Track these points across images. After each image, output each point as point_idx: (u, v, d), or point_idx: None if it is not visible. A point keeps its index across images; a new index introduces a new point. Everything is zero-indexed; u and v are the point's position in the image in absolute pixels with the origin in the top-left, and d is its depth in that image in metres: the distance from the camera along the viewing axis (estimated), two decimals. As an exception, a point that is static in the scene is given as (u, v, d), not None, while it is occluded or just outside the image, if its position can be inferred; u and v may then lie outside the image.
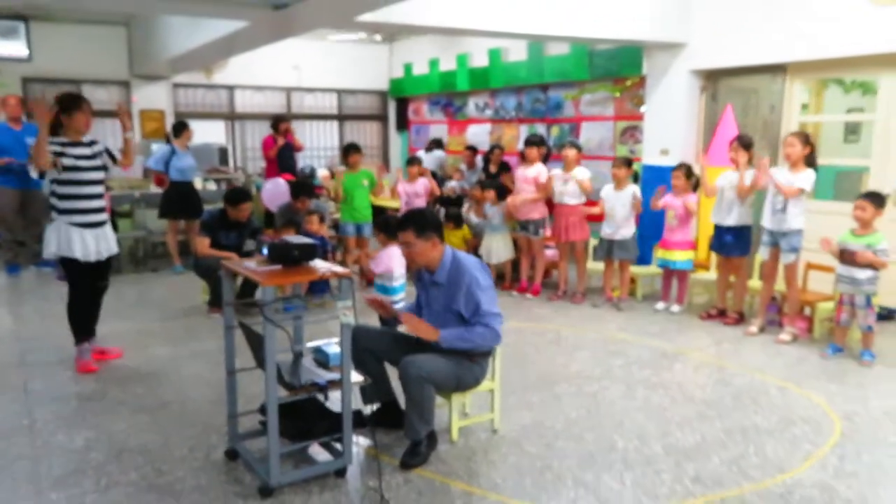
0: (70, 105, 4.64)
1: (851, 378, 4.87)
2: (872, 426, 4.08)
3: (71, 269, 4.80)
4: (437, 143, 11.12)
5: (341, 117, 13.14)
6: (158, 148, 8.10)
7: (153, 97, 11.30)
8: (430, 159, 10.63)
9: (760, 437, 3.92)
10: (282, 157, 9.19)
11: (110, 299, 5.34)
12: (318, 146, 13.04)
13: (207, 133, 11.17)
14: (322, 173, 11.17)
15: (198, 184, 8.92)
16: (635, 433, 3.96)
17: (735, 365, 5.14)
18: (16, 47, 10.29)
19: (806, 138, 5.53)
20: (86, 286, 4.89)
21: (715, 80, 7.69)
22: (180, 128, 8.35)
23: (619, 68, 8.59)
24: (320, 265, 3.38)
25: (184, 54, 8.63)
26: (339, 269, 3.34)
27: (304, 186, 7.03)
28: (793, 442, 3.86)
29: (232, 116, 12.13)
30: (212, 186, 9.85)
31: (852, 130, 8.79)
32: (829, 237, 5.26)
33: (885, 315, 6.08)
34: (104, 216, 4.88)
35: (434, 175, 8.44)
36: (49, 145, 4.55)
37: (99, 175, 4.81)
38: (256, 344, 3.41)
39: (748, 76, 7.34)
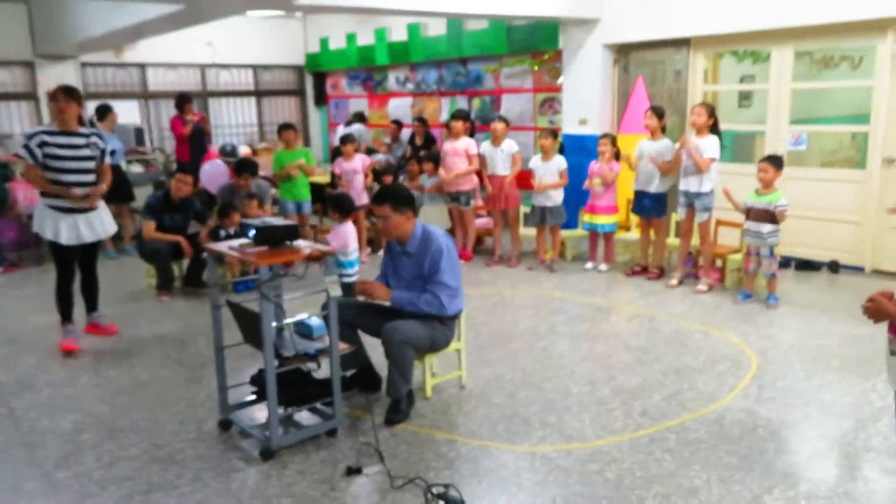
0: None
1: (761, 319, 5.57)
2: (782, 358, 4.75)
3: (52, 249, 5.07)
4: (359, 117, 11.27)
5: (258, 93, 13.03)
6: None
7: (60, 78, 10.78)
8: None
9: (692, 375, 4.50)
10: (194, 138, 9.15)
11: (52, 285, 5.24)
12: (236, 123, 12.91)
13: (121, 114, 10.85)
14: (244, 150, 11.14)
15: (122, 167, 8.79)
16: (585, 379, 4.46)
17: (661, 314, 5.75)
18: None
19: (711, 110, 6.16)
20: (68, 267, 5.11)
21: (626, 53, 8.26)
22: (105, 111, 8.22)
23: (537, 43, 9.02)
24: (303, 244, 3.65)
25: (99, 36, 8.40)
26: (323, 247, 3.62)
27: (247, 164, 7.08)
28: (719, 377, 4.47)
29: (145, 95, 11.83)
30: (137, 169, 9.69)
31: (745, 96, 9.60)
32: (730, 188, 5.92)
33: (784, 263, 6.86)
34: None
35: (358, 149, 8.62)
36: (35, 136, 4.80)
37: (84, 165, 4.96)
38: (247, 320, 3.67)
39: (656, 49, 7.93)
